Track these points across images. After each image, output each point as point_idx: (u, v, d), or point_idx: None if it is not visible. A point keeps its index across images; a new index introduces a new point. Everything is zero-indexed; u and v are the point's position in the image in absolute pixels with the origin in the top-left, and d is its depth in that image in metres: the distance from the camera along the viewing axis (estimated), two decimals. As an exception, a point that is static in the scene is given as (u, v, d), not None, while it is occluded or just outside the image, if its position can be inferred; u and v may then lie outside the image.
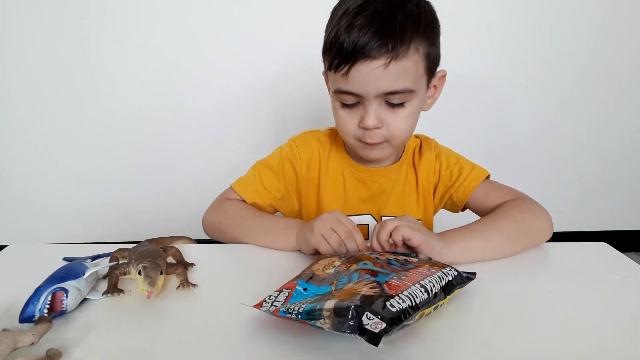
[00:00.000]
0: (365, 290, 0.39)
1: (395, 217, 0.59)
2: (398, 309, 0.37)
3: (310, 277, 0.47)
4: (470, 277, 0.48)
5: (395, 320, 0.36)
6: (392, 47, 0.55)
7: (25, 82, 1.35)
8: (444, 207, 0.80)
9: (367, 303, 0.37)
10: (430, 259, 0.52)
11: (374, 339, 0.35)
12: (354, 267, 0.47)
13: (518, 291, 0.50)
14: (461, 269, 0.48)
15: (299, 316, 0.38)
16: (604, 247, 0.64)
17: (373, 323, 0.35)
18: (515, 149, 1.53)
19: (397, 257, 0.50)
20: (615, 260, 0.60)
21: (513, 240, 0.60)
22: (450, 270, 0.47)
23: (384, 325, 0.35)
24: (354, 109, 0.62)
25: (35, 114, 1.39)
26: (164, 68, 1.36)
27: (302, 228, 0.61)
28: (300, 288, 0.44)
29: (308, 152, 0.75)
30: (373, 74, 0.57)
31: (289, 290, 0.44)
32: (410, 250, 0.56)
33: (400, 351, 0.39)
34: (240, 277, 0.55)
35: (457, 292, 0.47)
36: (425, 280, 0.43)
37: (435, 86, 0.67)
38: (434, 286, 0.43)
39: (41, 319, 0.40)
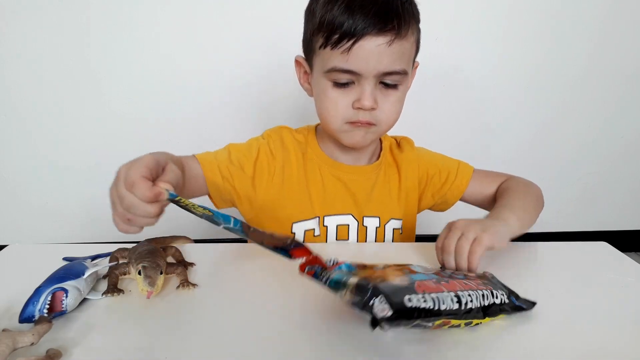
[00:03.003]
0: (393, 278, 0.38)
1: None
2: (414, 306, 0.35)
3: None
4: (524, 307, 0.45)
5: (405, 314, 0.35)
6: (397, 24, 0.56)
7: (25, 82, 1.35)
8: (431, 208, 0.81)
9: (387, 288, 0.36)
10: (492, 277, 0.49)
11: (372, 322, 0.35)
12: (407, 269, 0.43)
13: (518, 291, 0.50)
14: (523, 291, 0.47)
15: (327, 282, 0.38)
16: (604, 247, 0.64)
17: (381, 308, 0.34)
18: (515, 149, 1.53)
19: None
20: (615, 260, 0.60)
21: (536, 210, 0.69)
22: (503, 294, 0.44)
23: (389, 313, 0.34)
24: (347, 89, 0.61)
25: (35, 114, 1.39)
26: (163, 68, 1.36)
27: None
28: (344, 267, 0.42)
29: (285, 152, 0.71)
30: (376, 51, 0.57)
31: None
32: None
33: (400, 345, 0.39)
34: (240, 277, 0.55)
35: (502, 317, 0.44)
36: (464, 292, 0.40)
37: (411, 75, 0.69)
38: (470, 301, 0.40)
39: (41, 319, 0.40)
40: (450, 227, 0.56)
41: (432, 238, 0.65)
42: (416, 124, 1.48)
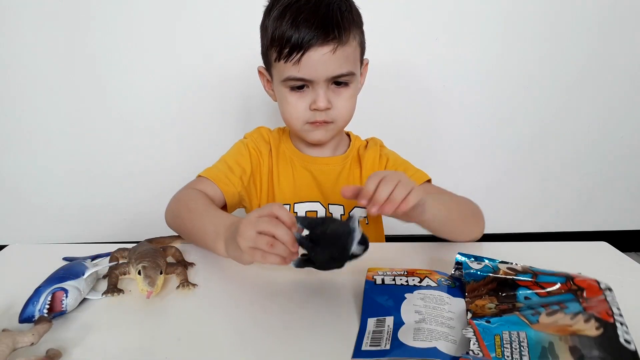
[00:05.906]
0: (581, 326, 0.38)
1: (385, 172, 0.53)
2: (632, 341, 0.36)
3: (475, 314, 0.42)
4: None
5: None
6: (337, 34, 0.62)
7: (26, 82, 1.35)
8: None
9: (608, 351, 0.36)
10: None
11: None
12: (520, 305, 0.43)
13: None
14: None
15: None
16: (604, 247, 0.64)
17: None
18: (515, 149, 1.53)
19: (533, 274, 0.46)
20: (615, 260, 0.60)
21: (465, 219, 0.67)
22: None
23: None
24: (303, 93, 0.68)
25: (35, 114, 1.39)
26: (164, 69, 1.36)
27: (228, 238, 0.55)
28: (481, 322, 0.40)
29: (264, 144, 0.79)
30: (322, 60, 0.63)
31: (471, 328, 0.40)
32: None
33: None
34: (240, 277, 0.55)
35: None
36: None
37: (361, 73, 0.74)
38: None
39: (41, 319, 0.40)
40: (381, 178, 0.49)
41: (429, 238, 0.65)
42: (416, 123, 1.49)
